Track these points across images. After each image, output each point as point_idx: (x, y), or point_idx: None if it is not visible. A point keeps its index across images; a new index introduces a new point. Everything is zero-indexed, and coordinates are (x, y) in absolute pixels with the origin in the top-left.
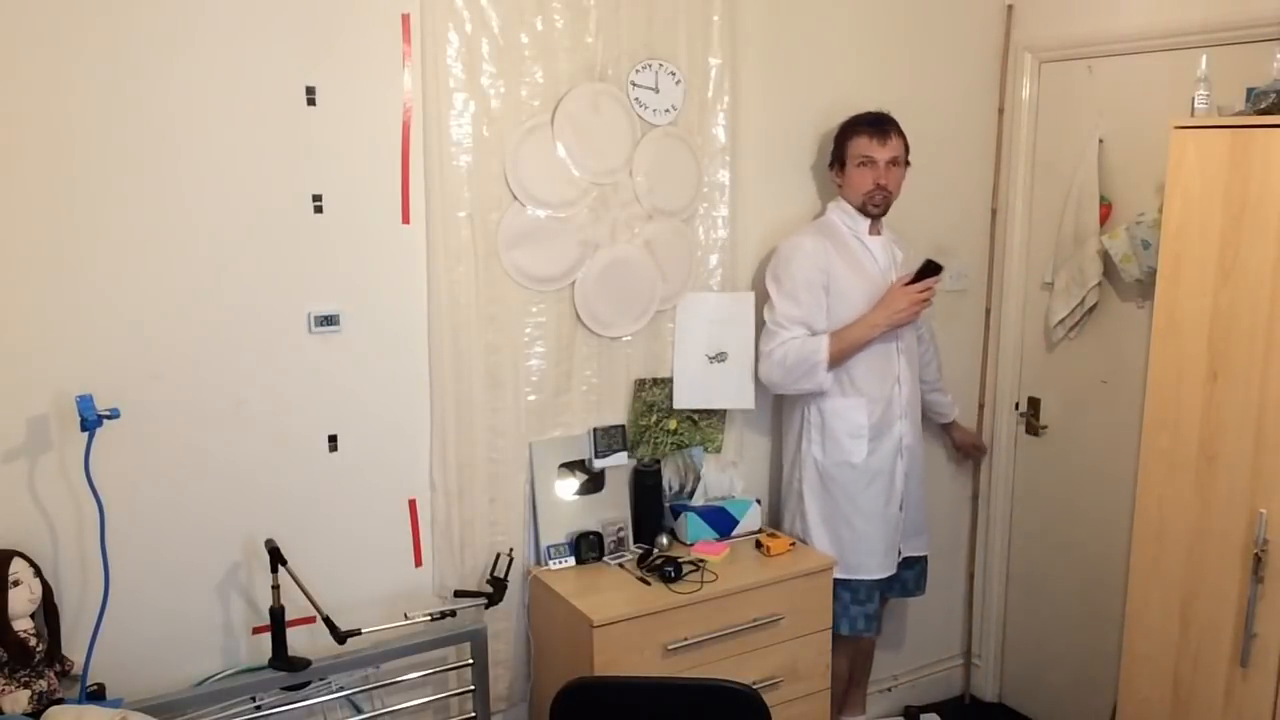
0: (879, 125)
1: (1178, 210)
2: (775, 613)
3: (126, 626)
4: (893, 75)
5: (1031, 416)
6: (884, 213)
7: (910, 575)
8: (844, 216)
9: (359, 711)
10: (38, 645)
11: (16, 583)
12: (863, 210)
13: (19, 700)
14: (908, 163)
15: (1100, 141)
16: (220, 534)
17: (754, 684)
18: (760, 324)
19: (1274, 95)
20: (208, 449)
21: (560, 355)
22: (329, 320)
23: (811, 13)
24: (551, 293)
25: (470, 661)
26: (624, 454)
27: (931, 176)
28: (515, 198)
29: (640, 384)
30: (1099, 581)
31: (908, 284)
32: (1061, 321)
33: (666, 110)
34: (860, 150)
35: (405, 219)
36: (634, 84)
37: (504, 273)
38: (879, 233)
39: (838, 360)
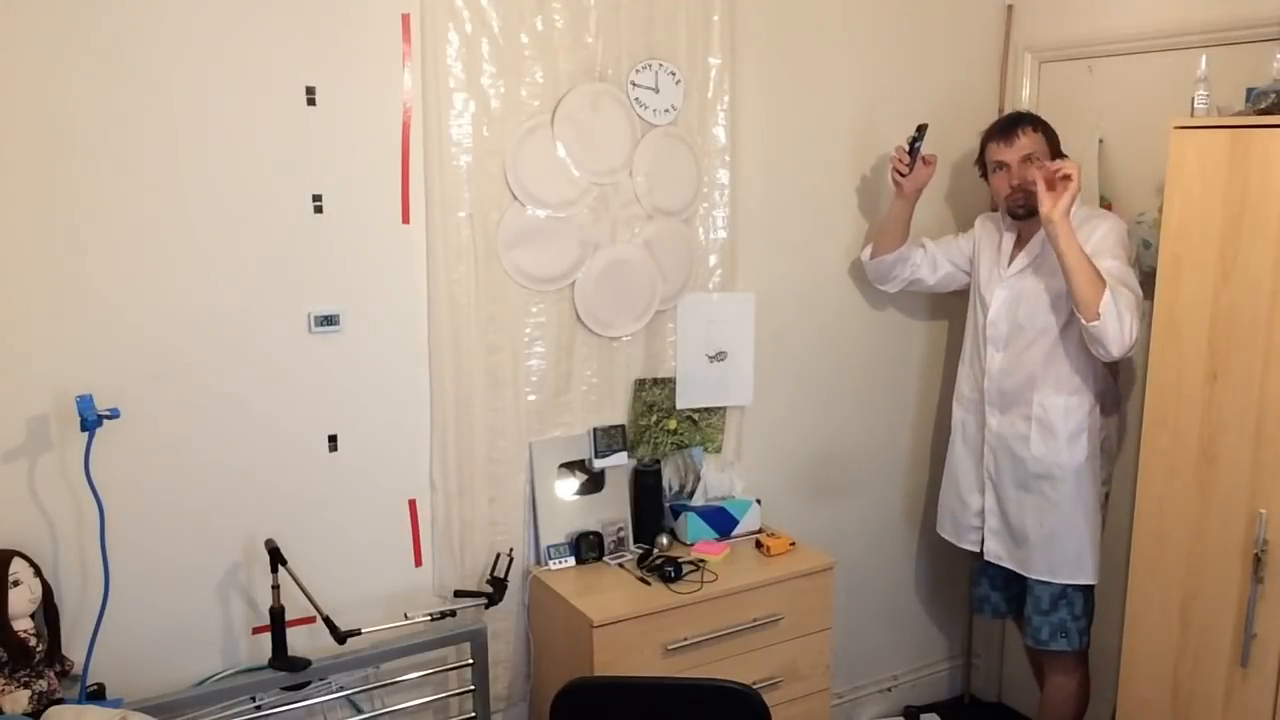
0: (1006, 127)
1: (1178, 210)
2: (775, 613)
3: (126, 626)
4: (893, 75)
5: None
6: (1030, 213)
7: (1030, 604)
8: (997, 223)
9: (359, 711)
10: (38, 645)
11: (16, 583)
12: (1011, 214)
13: (19, 700)
14: (1060, 155)
15: (1100, 141)
16: (220, 534)
17: (754, 684)
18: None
19: (1274, 95)
20: (208, 449)
21: (560, 355)
22: (329, 320)
23: (811, 13)
24: (551, 293)
25: (470, 661)
26: (624, 454)
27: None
28: (515, 198)
29: (640, 384)
30: (1098, 581)
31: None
32: None
33: (666, 110)
34: (992, 156)
35: (405, 219)
36: (634, 84)
37: (504, 273)
38: (1024, 245)
39: (877, 240)
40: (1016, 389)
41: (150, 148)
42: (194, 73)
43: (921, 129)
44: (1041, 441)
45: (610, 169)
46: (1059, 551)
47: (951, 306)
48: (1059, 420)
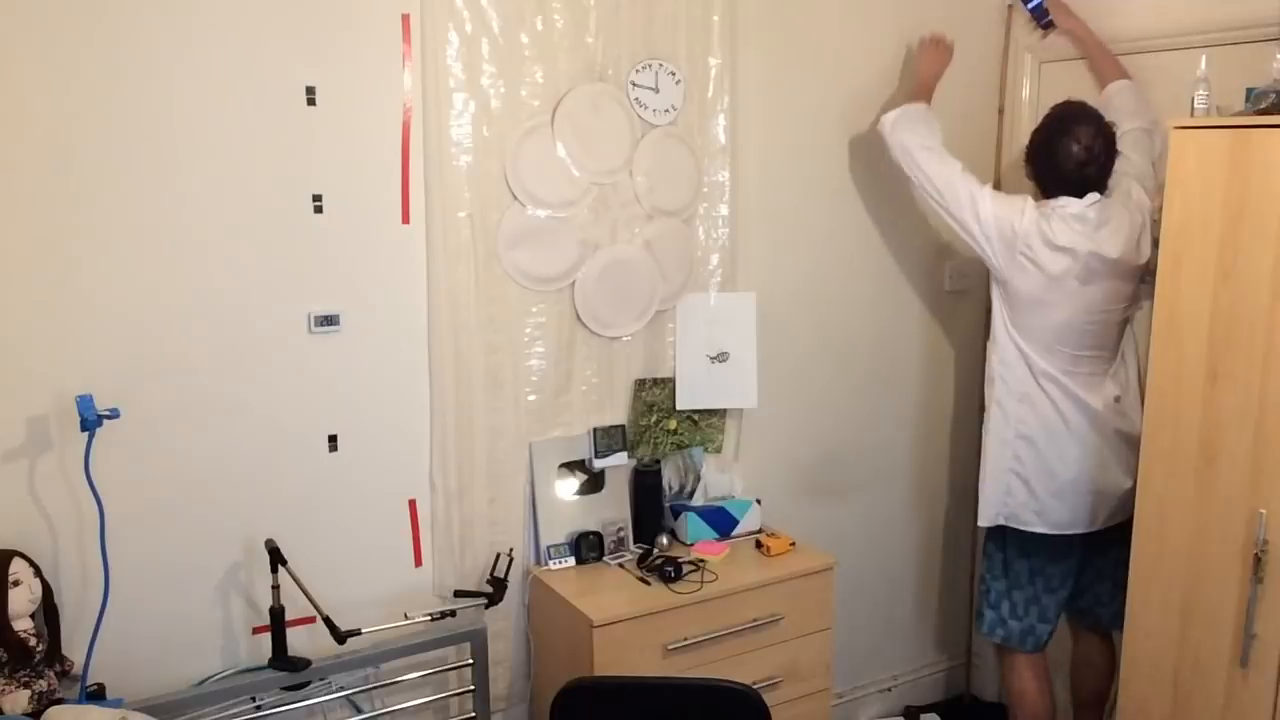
0: None
1: (1178, 210)
2: (775, 613)
3: (126, 626)
4: (893, 75)
5: None
6: None
7: None
8: None
9: (359, 711)
10: (38, 645)
11: (16, 583)
12: None
13: (19, 700)
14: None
15: None
16: (220, 534)
17: (754, 684)
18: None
19: (1274, 95)
20: (208, 449)
21: (560, 355)
22: (329, 320)
23: (811, 13)
24: (551, 293)
25: (470, 661)
26: (624, 454)
27: None
28: (515, 198)
29: (640, 384)
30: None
31: None
32: None
33: (666, 110)
34: None
35: (405, 219)
36: (634, 84)
37: (504, 273)
38: None
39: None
40: None
41: (150, 147)
42: (194, 73)
43: None
44: None
45: (610, 169)
46: None
47: (951, 305)
48: None
